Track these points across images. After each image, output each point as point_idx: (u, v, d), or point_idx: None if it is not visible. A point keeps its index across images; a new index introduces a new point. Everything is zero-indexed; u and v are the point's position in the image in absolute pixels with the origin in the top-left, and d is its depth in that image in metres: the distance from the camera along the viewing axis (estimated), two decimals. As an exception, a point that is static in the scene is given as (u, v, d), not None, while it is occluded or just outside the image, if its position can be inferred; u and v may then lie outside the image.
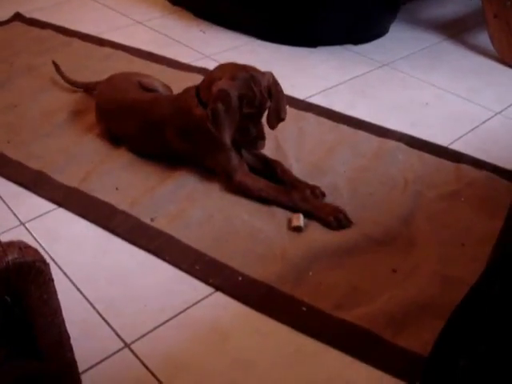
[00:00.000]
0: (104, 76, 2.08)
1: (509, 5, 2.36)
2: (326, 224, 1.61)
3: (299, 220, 1.61)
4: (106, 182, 1.76)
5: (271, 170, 1.78)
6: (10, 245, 0.68)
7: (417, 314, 1.36)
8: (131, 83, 1.96)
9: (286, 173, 1.77)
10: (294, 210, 1.64)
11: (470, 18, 2.92)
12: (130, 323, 1.35)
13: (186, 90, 1.76)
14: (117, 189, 1.73)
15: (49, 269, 0.74)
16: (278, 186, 1.70)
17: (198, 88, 1.71)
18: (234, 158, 1.71)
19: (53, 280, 0.79)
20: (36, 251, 0.70)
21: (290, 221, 1.62)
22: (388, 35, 2.71)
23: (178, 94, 1.81)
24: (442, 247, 1.55)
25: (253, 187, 1.69)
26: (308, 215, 1.63)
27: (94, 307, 1.39)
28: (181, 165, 1.79)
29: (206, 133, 1.64)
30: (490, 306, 0.88)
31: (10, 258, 0.67)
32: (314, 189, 1.72)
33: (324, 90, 2.27)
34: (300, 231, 1.60)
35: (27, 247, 0.70)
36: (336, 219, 1.60)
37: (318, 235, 1.58)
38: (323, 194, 1.72)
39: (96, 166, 1.82)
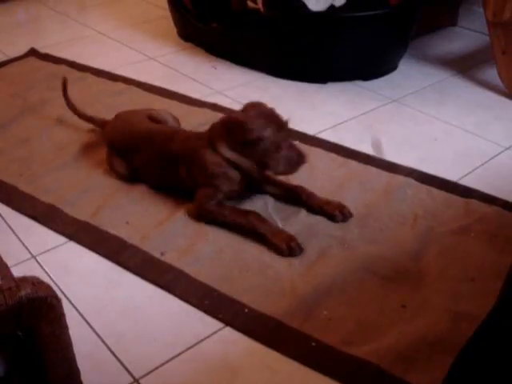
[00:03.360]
0: (117, 110, 2.11)
1: (516, 41, 2.39)
2: (278, 250, 1.63)
3: None
4: (117, 216, 1.77)
5: (296, 197, 1.81)
6: (24, 280, 0.69)
7: (427, 351, 1.35)
8: (141, 116, 2.00)
9: (311, 196, 1.80)
10: (253, 233, 1.67)
11: (478, 54, 2.94)
12: (140, 358, 1.35)
13: (200, 136, 1.81)
14: (127, 223, 1.75)
15: (61, 304, 0.75)
16: (238, 210, 1.73)
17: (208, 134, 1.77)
18: (218, 197, 1.74)
19: (64, 315, 0.79)
20: (49, 287, 0.71)
21: None
22: (397, 71, 2.73)
23: (193, 135, 1.86)
24: (452, 283, 1.54)
25: (216, 213, 1.72)
26: (262, 239, 1.66)
27: (103, 341, 1.39)
28: (189, 199, 1.81)
29: (205, 174, 1.72)
30: (501, 340, 0.86)
31: (23, 293, 0.68)
32: (342, 208, 1.76)
33: (334, 126, 2.29)
34: None
35: (40, 283, 0.70)
36: (288, 247, 1.62)
37: (327, 271, 1.58)
38: (351, 214, 1.76)
39: (106, 200, 1.84)
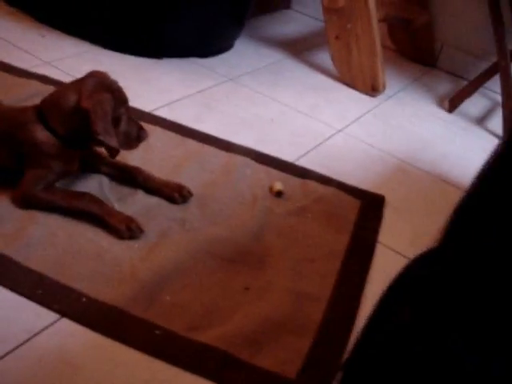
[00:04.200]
0: None
1: (349, 27, 2.48)
2: (117, 232, 1.55)
3: (280, 184, 1.80)
4: None
5: (132, 178, 1.72)
6: None
7: (272, 332, 1.35)
8: None
9: (149, 178, 1.71)
10: (88, 215, 1.57)
11: (311, 37, 3.03)
12: (-37, 357, 1.21)
13: (25, 109, 1.62)
14: None
15: None
16: (71, 192, 1.62)
17: (39, 108, 1.58)
18: (49, 178, 1.59)
19: None
20: None
21: (270, 188, 1.81)
22: (233, 50, 2.73)
23: (15, 111, 1.64)
24: (294, 263, 1.56)
25: (45, 198, 1.58)
26: (99, 222, 1.57)
27: None
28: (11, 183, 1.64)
29: (36, 153, 1.55)
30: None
31: None
32: (181, 190, 1.70)
33: (169, 103, 2.22)
34: (281, 196, 1.79)
35: None
36: (128, 228, 1.55)
37: (168, 254, 1.52)
38: (191, 194, 1.71)
39: None
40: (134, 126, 1.63)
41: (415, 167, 2.16)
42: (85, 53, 2.48)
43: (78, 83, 1.57)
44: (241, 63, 2.62)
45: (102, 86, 1.56)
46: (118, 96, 1.57)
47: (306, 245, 1.64)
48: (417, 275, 0.71)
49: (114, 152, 1.59)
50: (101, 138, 1.51)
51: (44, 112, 1.57)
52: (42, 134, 1.55)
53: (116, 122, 1.56)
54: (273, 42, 2.92)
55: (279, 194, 1.80)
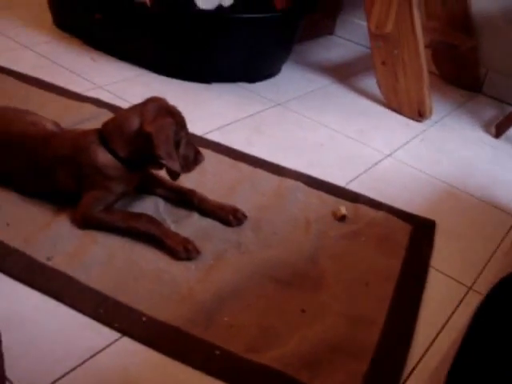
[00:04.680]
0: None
1: (396, 53, 2.49)
2: (174, 253, 1.57)
3: (344, 209, 1.83)
4: (-5, 217, 1.62)
5: (188, 201, 1.75)
6: None
7: (329, 354, 1.36)
8: (16, 116, 1.77)
9: (204, 201, 1.75)
10: (146, 236, 1.60)
11: (355, 62, 3.05)
12: (29, 375, 1.23)
13: (87, 133, 1.66)
14: (8, 224, 1.60)
15: None
16: (130, 213, 1.65)
17: (101, 131, 1.63)
18: (108, 199, 1.63)
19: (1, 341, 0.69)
20: None
21: (334, 213, 1.83)
22: (280, 75, 2.76)
23: (77, 134, 1.68)
24: (348, 287, 1.57)
25: (104, 219, 1.61)
26: (157, 243, 1.60)
27: (-15, 357, 1.26)
28: (71, 203, 1.68)
29: (97, 175, 1.60)
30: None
31: None
32: (235, 212, 1.72)
33: (221, 127, 2.26)
34: (344, 220, 1.82)
35: None
36: (185, 250, 1.58)
37: (225, 276, 1.54)
38: (245, 217, 1.74)
39: (-18, 200, 1.68)
40: (192, 149, 1.67)
41: (464, 192, 2.15)
42: (136, 77, 2.54)
43: (140, 108, 1.61)
44: (288, 88, 2.66)
45: (164, 110, 1.60)
46: (178, 120, 1.61)
47: (360, 268, 1.65)
48: None
49: (174, 175, 1.62)
50: (164, 161, 1.55)
51: (106, 135, 1.61)
52: (103, 157, 1.59)
53: (176, 145, 1.60)
54: (318, 67, 2.95)
55: (343, 218, 1.82)
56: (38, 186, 1.69)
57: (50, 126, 1.78)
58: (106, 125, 1.64)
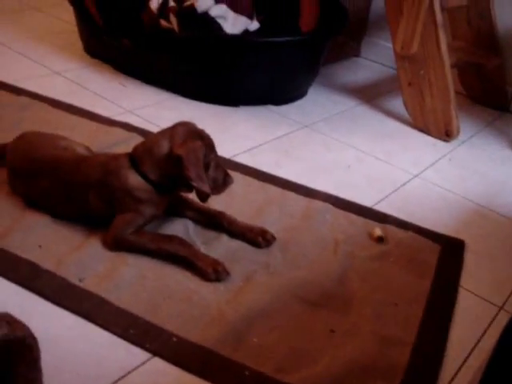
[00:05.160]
0: (21, 125, 1.98)
1: (422, 74, 2.50)
2: (204, 274, 1.59)
3: (379, 230, 1.84)
4: (28, 240, 1.65)
5: (217, 223, 1.77)
6: None
7: (359, 375, 1.35)
8: (48, 141, 1.82)
9: (233, 223, 1.76)
10: (176, 258, 1.62)
11: (381, 84, 3.07)
12: (62, 393, 1.26)
13: (118, 156, 1.70)
14: (40, 247, 1.63)
15: (38, 345, 0.67)
16: (160, 235, 1.67)
17: (131, 155, 1.66)
18: (139, 222, 1.66)
19: (40, 358, 0.70)
20: (25, 326, 0.63)
21: (370, 235, 1.84)
22: (306, 97, 2.79)
23: (108, 158, 1.71)
24: (377, 307, 1.57)
25: (134, 241, 1.64)
26: (187, 264, 1.61)
27: (20, 376, 1.28)
28: (102, 225, 1.71)
29: (128, 198, 1.62)
30: None
31: None
32: (264, 234, 1.74)
33: (249, 150, 2.28)
34: (381, 242, 1.82)
35: (15, 321, 0.62)
36: (215, 271, 1.59)
37: (254, 297, 1.55)
38: (274, 238, 1.75)
39: (16, 222, 1.71)
40: (221, 171, 1.69)
41: (493, 211, 2.13)
42: (164, 101, 2.58)
43: (169, 131, 1.64)
44: (315, 110, 2.68)
45: (193, 133, 1.63)
46: (207, 143, 1.64)
47: (389, 289, 1.64)
48: None
49: (204, 197, 1.65)
50: (194, 183, 1.58)
51: (136, 159, 1.64)
52: (135, 180, 1.62)
53: (206, 167, 1.62)
54: (345, 89, 2.97)
55: (380, 239, 1.83)
56: (70, 209, 1.73)
57: (80, 150, 1.83)
58: (136, 149, 1.67)
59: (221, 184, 1.70)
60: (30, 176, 1.74)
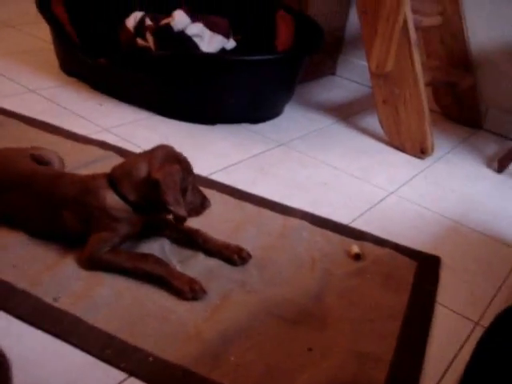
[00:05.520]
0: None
1: (397, 92, 2.53)
2: (180, 293, 1.58)
3: (356, 247, 1.85)
4: (2, 259, 1.63)
5: (193, 240, 1.77)
6: None
7: (337, 394, 1.35)
8: (22, 155, 1.82)
9: (209, 240, 1.76)
10: (152, 277, 1.61)
11: (356, 102, 3.10)
12: (37, 416, 1.23)
13: (96, 176, 1.69)
14: (14, 266, 1.61)
15: (8, 364, 0.65)
16: (135, 254, 1.66)
17: (110, 176, 1.66)
18: (114, 241, 1.64)
19: (11, 378, 0.69)
20: None
21: (348, 252, 1.85)
22: (283, 115, 2.81)
23: (86, 177, 1.71)
24: (354, 324, 1.57)
25: (110, 260, 1.62)
26: (163, 283, 1.60)
27: (-7, 399, 1.26)
28: (78, 243, 1.70)
29: (105, 217, 1.62)
30: None
31: None
32: (240, 252, 1.74)
33: (225, 168, 2.29)
34: (359, 259, 1.82)
35: None
36: (191, 290, 1.58)
37: (231, 315, 1.54)
38: (249, 256, 1.75)
39: (-11, 242, 1.69)
40: (199, 194, 1.70)
41: (469, 228, 2.16)
42: (141, 120, 2.58)
43: (148, 154, 1.64)
44: (291, 128, 2.70)
45: (171, 157, 1.63)
46: (185, 167, 1.64)
47: (366, 306, 1.65)
48: None
49: (181, 220, 1.65)
50: (171, 208, 1.58)
51: (115, 180, 1.64)
52: (112, 200, 1.62)
53: (183, 191, 1.62)
54: (321, 107, 2.99)
55: (358, 256, 1.83)
56: (44, 226, 1.71)
57: (56, 163, 1.86)
58: (114, 170, 1.67)
59: (198, 207, 1.70)
60: (4, 190, 1.72)
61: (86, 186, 1.65)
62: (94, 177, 1.69)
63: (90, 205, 1.63)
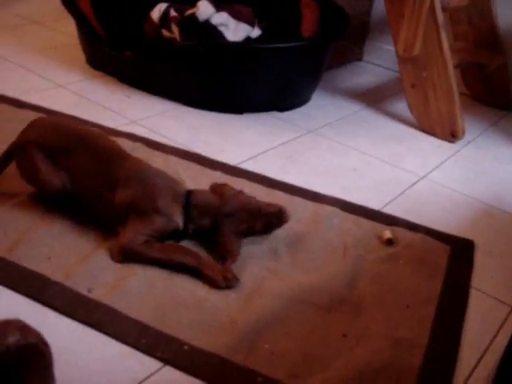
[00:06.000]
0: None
1: (425, 75, 2.50)
2: (214, 282, 1.58)
3: (389, 233, 1.83)
4: (37, 252, 1.65)
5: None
6: (8, 324, 0.60)
7: (373, 378, 1.34)
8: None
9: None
10: (185, 267, 1.62)
11: (384, 87, 3.07)
12: (74, 405, 1.25)
13: (179, 183, 1.78)
14: (49, 258, 1.63)
15: (50, 352, 0.66)
16: (167, 246, 1.68)
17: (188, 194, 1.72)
18: (148, 234, 1.66)
19: (53, 365, 0.70)
20: (37, 332, 0.62)
21: (380, 237, 1.84)
22: (311, 103, 2.79)
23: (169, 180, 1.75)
24: (388, 310, 1.56)
25: (143, 252, 1.63)
26: (196, 273, 1.61)
27: (32, 389, 1.27)
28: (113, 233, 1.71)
29: (151, 211, 1.65)
30: None
31: (11, 340, 0.59)
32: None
33: (254, 156, 2.28)
34: (391, 245, 1.81)
35: (27, 327, 0.61)
36: (225, 278, 1.58)
37: (264, 303, 1.54)
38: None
39: (24, 235, 1.71)
40: (274, 215, 1.74)
41: (501, 210, 2.12)
42: (168, 111, 2.58)
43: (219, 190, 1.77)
44: (319, 115, 2.68)
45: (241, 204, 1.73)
46: (250, 211, 1.72)
47: (400, 291, 1.63)
48: None
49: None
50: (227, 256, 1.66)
51: (191, 200, 1.70)
52: (171, 191, 1.70)
53: (251, 230, 1.73)
54: (348, 93, 2.97)
55: (390, 242, 1.82)
56: (94, 196, 1.73)
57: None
58: (196, 192, 1.74)
59: (275, 225, 1.77)
60: (66, 151, 1.74)
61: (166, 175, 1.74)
62: (178, 182, 1.78)
63: (145, 186, 1.67)
